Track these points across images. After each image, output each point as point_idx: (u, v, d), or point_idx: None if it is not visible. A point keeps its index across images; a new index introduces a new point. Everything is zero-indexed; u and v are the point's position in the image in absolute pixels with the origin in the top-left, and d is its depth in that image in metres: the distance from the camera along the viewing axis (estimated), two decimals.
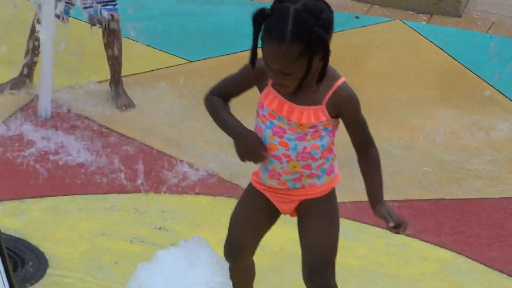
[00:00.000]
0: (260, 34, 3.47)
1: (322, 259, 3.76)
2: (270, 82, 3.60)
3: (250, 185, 3.87)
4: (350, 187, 4.91)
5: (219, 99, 3.79)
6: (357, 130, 3.66)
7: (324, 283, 3.78)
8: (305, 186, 3.71)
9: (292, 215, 3.83)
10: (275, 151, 3.65)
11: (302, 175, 3.68)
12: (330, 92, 3.57)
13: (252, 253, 3.97)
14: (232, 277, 3.84)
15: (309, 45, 3.39)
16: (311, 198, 3.73)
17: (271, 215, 3.86)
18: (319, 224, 3.75)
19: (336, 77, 3.60)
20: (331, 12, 3.50)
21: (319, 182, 3.71)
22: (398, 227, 3.60)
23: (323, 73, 3.50)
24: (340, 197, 4.91)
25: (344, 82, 3.60)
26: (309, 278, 3.77)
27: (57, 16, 6.10)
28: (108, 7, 6.19)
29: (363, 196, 5.24)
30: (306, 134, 3.61)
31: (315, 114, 3.58)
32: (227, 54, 7.31)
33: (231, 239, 3.91)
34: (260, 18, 3.44)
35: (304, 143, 3.61)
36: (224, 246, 3.91)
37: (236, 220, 3.92)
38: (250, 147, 3.68)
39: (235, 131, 3.73)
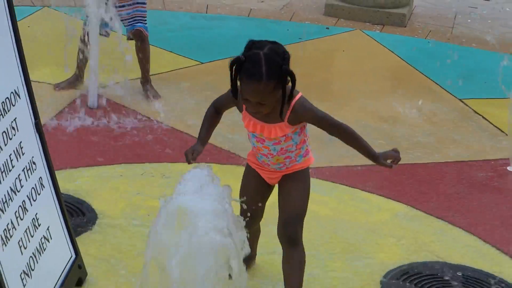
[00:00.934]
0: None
1: (294, 214, 3.72)
2: (244, 107, 3.58)
3: (247, 165, 3.87)
4: (325, 156, 4.99)
5: (212, 110, 3.83)
6: (323, 125, 3.58)
7: (294, 233, 3.72)
8: (288, 167, 3.71)
9: (273, 183, 3.83)
10: (261, 151, 3.68)
11: (285, 163, 3.69)
12: (289, 111, 3.50)
13: (261, 216, 3.95)
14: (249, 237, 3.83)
15: (280, 79, 3.37)
16: (291, 172, 3.73)
17: (268, 186, 3.85)
18: (294, 189, 3.73)
19: (293, 95, 3.51)
20: (288, 54, 3.45)
21: (297, 162, 3.70)
22: (396, 158, 3.62)
23: (290, 96, 3.46)
24: (318, 164, 5.02)
25: (299, 98, 3.52)
26: (283, 228, 3.73)
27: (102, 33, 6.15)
28: (139, 24, 6.20)
29: (336, 163, 5.39)
30: (280, 141, 3.59)
31: (280, 129, 3.54)
32: (229, 57, 7.27)
33: (248, 206, 3.70)
34: (237, 64, 3.41)
35: (280, 145, 3.60)
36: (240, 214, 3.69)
37: (245, 190, 3.85)
38: (186, 152, 3.79)
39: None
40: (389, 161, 3.62)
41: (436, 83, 7.15)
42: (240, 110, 3.68)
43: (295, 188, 3.74)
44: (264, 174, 3.81)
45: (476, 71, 7.44)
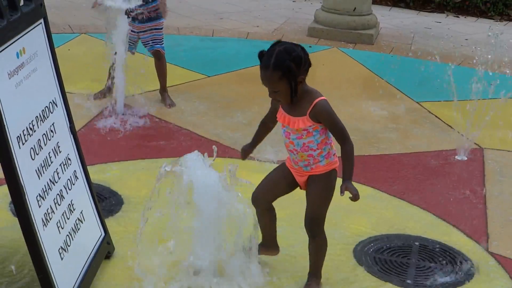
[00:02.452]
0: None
1: (310, 217, 3.64)
2: (280, 106, 3.53)
3: (283, 163, 3.75)
4: None
5: (263, 120, 3.81)
6: (333, 130, 3.49)
7: (310, 231, 3.65)
8: (313, 167, 3.56)
9: (303, 188, 3.68)
10: (289, 147, 3.58)
11: (309, 162, 3.55)
12: (311, 107, 3.42)
13: (269, 203, 3.78)
14: (260, 222, 3.79)
15: (284, 72, 3.33)
16: (316, 174, 3.58)
17: (290, 184, 3.71)
18: (313, 193, 3.61)
19: (317, 96, 3.45)
20: (304, 52, 3.40)
21: (321, 164, 3.55)
22: (354, 197, 3.46)
23: (296, 91, 3.39)
24: None
25: (322, 100, 3.45)
26: (306, 224, 3.65)
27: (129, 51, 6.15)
28: (157, 45, 6.19)
29: None
30: (302, 135, 3.49)
31: (303, 122, 3.45)
32: (231, 71, 7.31)
33: (255, 191, 3.76)
34: (260, 55, 3.40)
35: (303, 140, 3.50)
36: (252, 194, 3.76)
37: (264, 180, 3.78)
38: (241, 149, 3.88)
39: None
40: (350, 196, 3.46)
41: (397, 89, 7.12)
42: (277, 109, 3.61)
43: (315, 192, 3.61)
44: (294, 173, 3.67)
45: (430, 79, 7.41)
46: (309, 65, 3.45)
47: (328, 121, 3.47)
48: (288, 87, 3.38)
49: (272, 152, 5.23)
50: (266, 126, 3.80)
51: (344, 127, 3.50)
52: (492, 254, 4.30)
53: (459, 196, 5.02)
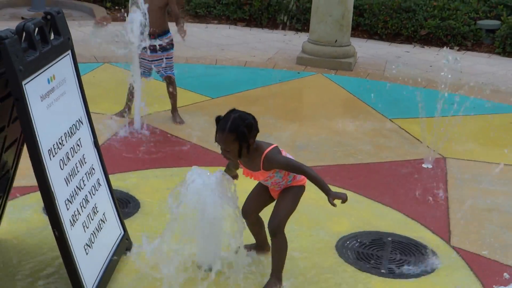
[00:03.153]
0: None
1: (275, 213, 3.61)
2: (240, 162, 3.55)
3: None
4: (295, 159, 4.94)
5: (227, 170, 3.72)
6: (289, 169, 3.51)
7: (273, 226, 3.57)
8: (284, 185, 3.62)
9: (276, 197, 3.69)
10: (262, 183, 3.68)
11: (280, 186, 3.62)
12: (261, 161, 3.46)
13: (256, 214, 3.81)
14: (250, 229, 3.85)
15: (237, 136, 3.34)
16: (285, 187, 3.63)
17: (270, 196, 3.75)
18: (282, 195, 3.63)
19: (264, 149, 3.47)
20: (254, 120, 3.41)
21: (289, 183, 3.60)
22: (344, 198, 3.43)
23: (248, 150, 3.39)
24: None
25: (268, 152, 3.46)
26: (269, 224, 3.60)
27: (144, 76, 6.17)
28: (169, 72, 6.18)
29: (307, 164, 5.33)
30: (267, 179, 3.58)
31: (262, 174, 3.53)
32: (231, 94, 7.29)
33: (244, 206, 3.76)
34: (217, 119, 3.42)
35: (269, 181, 3.59)
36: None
37: (249, 194, 3.80)
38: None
39: None
40: (336, 200, 3.43)
41: (372, 108, 7.10)
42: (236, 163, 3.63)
43: (283, 196, 3.62)
44: (271, 190, 3.72)
45: (400, 99, 7.42)
46: (257, 131, 3.44)
47: (280, 166, 3.49)
48: (238, 148, 3.38)
49: None
50: (232, 174, 3.69)
51: (295, 162, 3.50)
52: (454, 248, 4.28)
53: (425, 198, 5.00)
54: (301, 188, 3.65)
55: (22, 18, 10.66)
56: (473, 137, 6.30)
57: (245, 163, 3.54)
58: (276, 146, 3.53)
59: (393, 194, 5.05)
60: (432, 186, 5.21)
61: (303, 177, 3.61)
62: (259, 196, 3.77)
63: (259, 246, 3.98)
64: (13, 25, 3.04)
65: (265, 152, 3.47)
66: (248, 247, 3.96)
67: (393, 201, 4.90)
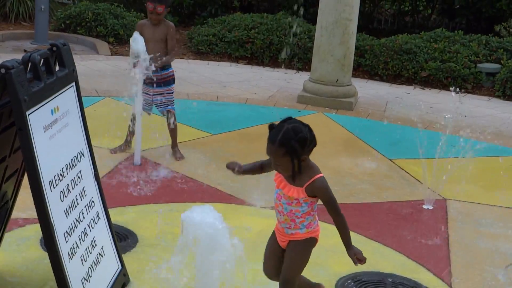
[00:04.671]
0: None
1: (284, 275, 3.42)
2: None
3: (273, 231, 3.54)
4: None
5: (259, 163, 3.51)
6: (328, 205, 3.27)
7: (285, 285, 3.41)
8: (293, 233, 3.36)
9: (284, 247, 3.46)
10: (277, 207, 3.36)
11: (290, 226, 3.34)
12: (309, 181, 3.21)
13: (277, 274, 3.51)
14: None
15: (287, 150, 3.11)
16: (294, 240, 3.37)
17: (277, 247, 3.49)
18: (289, 257, 3.40)
19: (317, 173, 3.24)
20: (310, 133, 3.19)
21: (301, 232, 3.35)
22: (360, 260, 3.33)
23: (300, 169, 3.18)
24: None
25: (320, 177, 3.23)
26: (280, 284, 3.45)
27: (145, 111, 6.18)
28: (169, 107, 6.20)
29: None
30: (292, 203, 3.27)
31: (297, 192, 3.23)
32: (233, 131, 7.30)
33: (265, 265, 3.58)
34: (270, 127, 3.18)
35: (291, 207, 3.28)
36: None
37: (266, 253, 3.57)
38: (234, 162, 3.53)
39: None
40: (357, 263, 3.34)
41: (373, 148, 7.10)
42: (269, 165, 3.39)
43: (291, 256, 3.38)
44: (278, 235, 3.46)
45: (401, 140, 7.45)
46: (314, 145, 3.22)
47: (325, 196, 3.24)
48: (290, 164, 3.14)
49: (260, 199, 5.27)
50: (261, 168, 3.49)
51: (336, 202, 3.29)
52: None
53: (426, 239, 4.97)
54: (313, 241, 3.40)
55: (25, 51, 10.74)
56: (473, 179, 6.29)
57: (278, 172, 3.31)
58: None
59: (394, 234, 5.02)
60: (432, 228, 5.18)
61: (317, 227, 3.42)
62: (273, 254, 3.53)
63: None
64: (15, 57, 3.06)
65: (318, 174, 3.22)
66: None
67: (394, 242, 4.87)
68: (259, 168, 3.51)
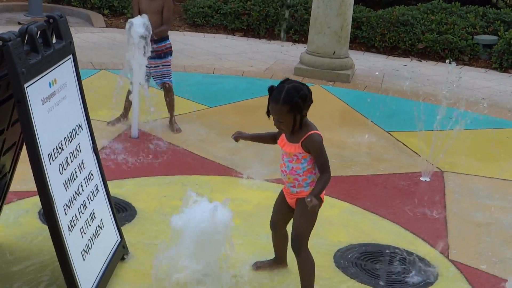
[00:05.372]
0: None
1: (295, 232, 3.52)
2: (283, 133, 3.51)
3: (281, 190, 3.72)
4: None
5: (272, 133, 3.69)
6: (318, 161, 3.41)
7: (296, 248, 3.53)
8: (298, 191, 3.53)
9: (292, 206, 3.62)
10: (281, 167, 3.53)
11: (294, 184, 3.51)
12: (304, 137, 3.39)
13: (283, 227, 3.75)
14: (272, 242, 3.85)
15: (291, 107, 3.30)
16: (301, 197, 3.48)
17: (286, 206, 3.66)
18: (298, 214, 3.53)
19: (312, 128, 3.43)
20: (308, 90, 3.38)
21: (305, 190, 3.50)
22: (312, 207, 3.25)
23: (300, 124, 3.38)
24: None
25: (315, 133, 3.41)
26: (292, 243, 3.55)
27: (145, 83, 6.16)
28: (166, 79, 6.20)
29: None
30: (292, 159, 3.45)
31: (294, 148, 3.42)
32: (229, 103, 7.29)
33: (272, 218, 3.74)
34: (270, 89, 3.37)
35: (292, 164, 3.45)
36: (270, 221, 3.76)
37: (274, 208, 3.75)
38: (237, 131, 3.77)
39: None
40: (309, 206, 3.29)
41: (370, 120, 7.09)
42: (280, 134, 3.57)
43: (299, 212, 3.52)
44: (286, 195, 3.64)
45: (398, 112, 7.45)
46: (311, 101, 3.42)
47: (316, 152, 3.40)
48: (292, 120, 3.35)
49: (257, 172, 5.28)
50: (270, 137, 3.71)
51: (328, 161, 3.43)
52: (452, 261, 4.27)
53: (423, 211, 5.00)
54: (318, 199, 3.47)
55: (19, 23, 10.64)
56: (470, 151, 6.31)
57: (289, 134, 3.47)
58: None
59: (391, 206, 5.04)
60: (430, 200, 5.20)
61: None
62: (280, 209, 3.71)
63: (277, 260, 3.92)
64: (9, 29, 3.03)
65: (314, 130, 3.42)
66: (259, 264, 3.91)
67: (391, 214, 4.89)
68: (268, 138, 3.74)
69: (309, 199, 3.24)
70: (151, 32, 5.73)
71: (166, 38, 6.13)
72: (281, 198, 3.71)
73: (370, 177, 5.61)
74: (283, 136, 3.54)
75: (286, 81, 3.41)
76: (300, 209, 3.50)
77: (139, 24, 5.67)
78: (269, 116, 3.45)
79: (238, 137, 3.75)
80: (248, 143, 4.09)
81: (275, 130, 3.56)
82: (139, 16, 5.80)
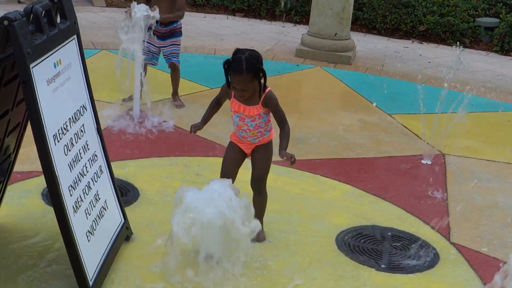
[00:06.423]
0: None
1: (261, 174, 3.88)
2: (233, 95, 3.74)
3: (230, 141, 3.95)
4: (296, 152, 4.92)
5: (214, 101, 3.95)
6: (276, 116, 3.76)
7: (259, 187, 3.90)
8: (260, 140, 3.84)
9: (249, 156, 3.91)
10: (242, 127, 3.80)
11: (257, 136, 3.82)
12: (263, 97, 3.68)
13: (234, 176, 3.89)
14: None
15: (255, 73, 3.56)
16: (261, 144, 3.85)
17: (241, 156, 3.91)
18: (260, 156, 3.86)
19: (265, 87, 3.69)
20: (261, 57, 3.63)
21: (266, 136, 3.84)
22: (292, 161, 3.62)
23: (264, 87, 3.66)
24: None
25: (269, 90, 3.70)
26: (253, 184, 3.90)
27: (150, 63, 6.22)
28: (174, 58, 6.30)
29: (304, 157, 5.34)
30: (255, 119, 3.75)
31: (257, 109, 3.72)
32: None
33: (223, 169, 3.90)
34: (227, 63, 3.59)
35: (255, 122, 3.76)
36: (220, 173, 3.91)
37: (224, 159, 3.93)
38: (191, 125, 3.95)
39: None
40: (289, 160, 3.64)
41: (371, 102, 7.07)
42: (229, 98, 3.81)
43: (261, 156, 3.86)
44: (242, 146, 3.88)
45: (399, 95, 7.45)
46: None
47: (274, 107, 3.73)
48: (256, 85, 3.62)
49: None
50: (216, 107, 3.95)
51: (284, 113, 3.76)
52: (453, 244, 4.30)
53: (424, 194, 5.01)
54: (271, 144, 3.91)
55: (19, 1, 10.58)
56: (471, 134, 6.32)
57: (241, 97, 3.70)
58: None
59: (392, 189, 5.06)
60: (431, 182, 5.21)
61: (273, 131, 3.89)
62: (233, 159, 3.91)
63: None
64: (9, 8, 3.02)
65: (268, 89, 3.70)
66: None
67: (392, 196, 4.91)
68: (216, 105, 3.96)
69: (286, 156, 3.60)
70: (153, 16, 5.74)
71: (177, 21, 6.24)
72: (234, 150, 3.90)
73: (372, 159, 5.62)
74: (234, 101, 3.76)
75: (238, 52, 3.60)
76: (262, 154, 3.86)
77: (143, 9, 5.72)
78: (229, 87, 3.69)
79: (195, 130, 3.92)
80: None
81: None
82: (142, 4, 5.85)
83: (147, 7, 5.77)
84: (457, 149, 5.97)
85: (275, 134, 3.90)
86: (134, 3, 5.77)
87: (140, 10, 5.69)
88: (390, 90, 7.52)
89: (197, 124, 3.92)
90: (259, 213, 3.84)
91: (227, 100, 3.89)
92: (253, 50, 3.64)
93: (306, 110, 6.77)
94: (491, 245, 4.31)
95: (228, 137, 4.11)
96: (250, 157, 3.94)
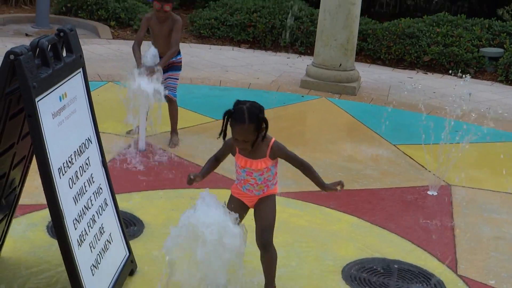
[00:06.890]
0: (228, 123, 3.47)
1: (267, 224, 3.62)
2: (237, 150, 3.59)
3: (231, 195, 3.77)
4: (302, 184, 4.85)
5: (213, 158, 3.79)
6: (291, 161, 3.60)
7: (267, 239, 3.61)
8: (265, 192, 3.66)
9: (252, 207, 3.72)
10: (249, 182, 3.63)
11: (264, 190, 3.65)
12: (269, 149, 3.53)
13: None
14: None
15: (257, 124, 3.41)
16: (264, 195, 3.66)
17: (244, 209, 3.71)
18: (265, 208, 3.65)
19: (270, 139, 3.55)
20: (263, 107, 3.50)
21: (271, 189, 3.67)
22: (342, 184, 3.60)
23: (264, 137, 3.49)
24: (297, 189, 4.95)
25: (274, 141, 3.56)
26: (260, 236, 3.61)
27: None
28: (169, 92, 6.13)
29: (309, 188, 5.31)
30: (263, 172, 3.58)
31: (264, 162, 3.56)
32: None
33: None
34: (228, 114, 3.45)
35: (263, 176, 3.60)
36: None
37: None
38: (189, 174, 3.69)
39: None
40: (338, 188, 3.60)
41: (377, 133, 7.09)
42: (233, 154, 3.65)
43: (267, 207, 3.66)
44: (245, 199, 3.70)
45: (404, 125, 7.44)
46: None
47: (286, 154, 3.58)
48: (256, 136, 3.46)
49: None
50: (217, 163, 3.79)
51: (295, 154, 3.62)
52: (460, 276, 4.25)
53: (431, 225, 4.98)
54: (275, 196, 3.73)
55: (26, 35, 10.68)
56: (477, 165, 6.30)
57: (248, 152, 3.55)
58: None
59: (399, 220, 5.03)
60: (437, 214, 5.18)
61: (277, 184, 3.73)
62: (240, 211, 3.62)
63: None
64: (17, 41, 3.06)
65: (273, 140, 3.56)
66: None
67: (399, 228, 4.88)
68: (215, 162, 3.79)
69: (333, 186, 3.59)
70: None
71: (178, 53, 6.17)
72: (236, 206, 3.65)
73: (377, 191, 5.59)
74: (240, 156, 3.60)
75: (238, 103, 3.47)
76: (267, 203, 3.67)
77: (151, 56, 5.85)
78: (224, 138, 3.57)
79: (191, 180, 3.68)
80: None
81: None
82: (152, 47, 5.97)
83: (156, 50, 5.85)
84: (463, 180, 5.92)
85: (278, 189, 3.73)
86: (152, 47, 5.86)
87: (151, 55, 5.80)
88: (395, 120, 7.51)
89: (197, 175, 3.69)
90: (268, 274, 3.69)
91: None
92: (254, 101, 3.52)
93: (311, 141, 6.77)
94: (498, 277, 4.26)
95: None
96: (253, 209, 3.75)
